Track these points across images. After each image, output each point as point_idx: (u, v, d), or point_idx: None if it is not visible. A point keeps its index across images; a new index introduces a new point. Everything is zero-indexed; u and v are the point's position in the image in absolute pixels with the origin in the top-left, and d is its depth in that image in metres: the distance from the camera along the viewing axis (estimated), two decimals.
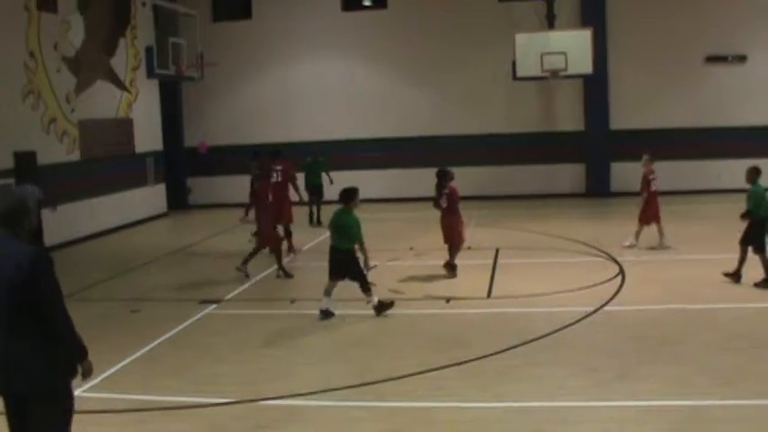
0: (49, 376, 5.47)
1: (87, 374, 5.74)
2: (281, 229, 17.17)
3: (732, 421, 7.45)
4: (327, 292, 12.08)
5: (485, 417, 7.93)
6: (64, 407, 5.61)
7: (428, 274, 14.99)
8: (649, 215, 16.57)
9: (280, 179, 17.45)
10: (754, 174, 13.28)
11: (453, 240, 14.93)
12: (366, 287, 12.04)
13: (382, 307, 12.00)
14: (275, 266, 15.41)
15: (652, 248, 16.45)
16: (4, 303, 5.36)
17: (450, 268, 14.79)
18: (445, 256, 14.97)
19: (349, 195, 12.14)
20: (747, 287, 12.78)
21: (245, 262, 15.26)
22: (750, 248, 12.92)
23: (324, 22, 27.45)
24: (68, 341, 5.51)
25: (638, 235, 16.63)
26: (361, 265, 12.08)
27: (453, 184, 14.94)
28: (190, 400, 8.63)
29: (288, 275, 15.19)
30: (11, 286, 5.31)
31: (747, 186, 13.24)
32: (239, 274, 15.11)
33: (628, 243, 16.63)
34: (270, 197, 16.43)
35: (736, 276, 13.13)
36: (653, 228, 16.52)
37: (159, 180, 26.12)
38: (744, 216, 12.94)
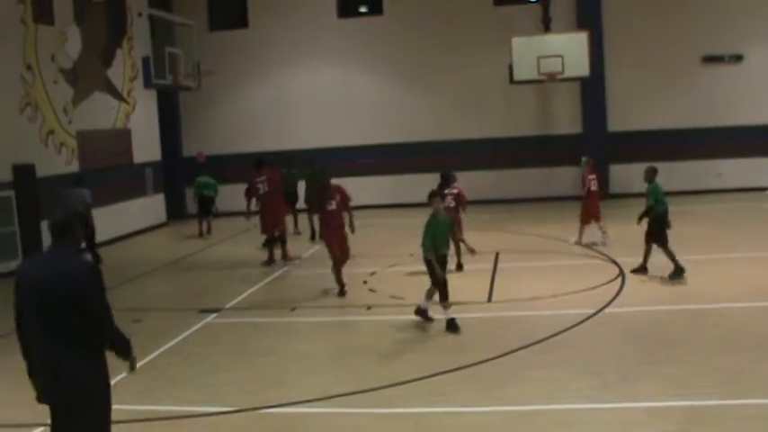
0: (94, 383, 5.67)
1: (133, 367, 6.06)
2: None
3: (735, 421, 7.44)
4: (428, 296, 11.60)
5: (487, 421, 7.91)
6: (107, 412, 5.84)
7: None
8: (588, 214, 17.49)
9: (267, 189, 17.14)
10: (651, 173, 14.19)
11: (460, 238, 15.23)
12: (429, 292, 11.57)
13: (423, 315, 11.59)
14: (274, 275, 15.38)
15: (594, 244, 17.21)
16: (56, 314, 5.51)
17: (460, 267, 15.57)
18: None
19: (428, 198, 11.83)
20: (744, 287, 12.78)
21: (339, 280, 14.02)
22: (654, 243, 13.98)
23: (320, 30, 27.47)
24: (118, 345, 5.83)
25: (581, 233, 17.55)
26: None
27: (459, 186, 15.77)
28: (191, 409, 8.61)
29: (341, 292, 13.98)
30: (65, 297, 5.48)
31: (646, 186, 14.17)
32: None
33: (573, 240, 17.61)
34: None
35: (643, 270, 14.13)
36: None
37: (158, 190, 26.11)
38: (645, 214, 14.04)
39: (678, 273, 13.54)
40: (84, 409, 5.62)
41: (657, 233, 13.87)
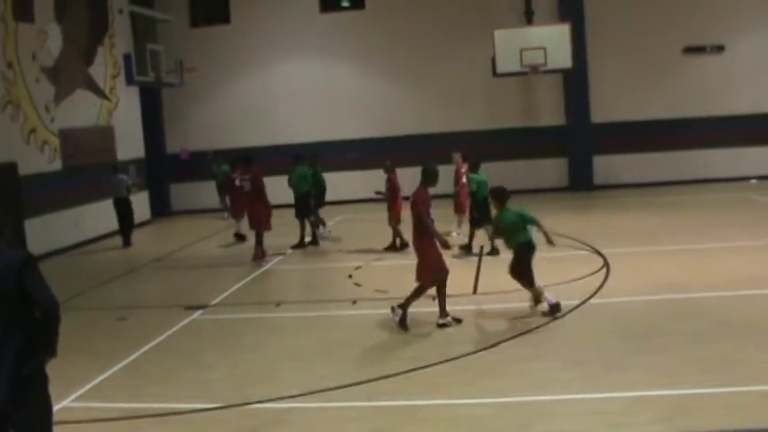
0: (37, 381, 5.54)
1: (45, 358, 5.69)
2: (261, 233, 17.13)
3: (718, 409, 7.48)
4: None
5: (474, 413, 7.93)
6: (50, 411, 5.73)
7: (413, 273, 14.97)
8: (462, 205, 18.26)
9: (250, 188, 16.77)
10: (475, 165, 16.98)
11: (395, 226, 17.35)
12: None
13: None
14: (259, 272, 15.28)
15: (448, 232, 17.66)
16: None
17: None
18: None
19: None
20: (727, 276, 12.86)
21: (404, 306, 11.38)
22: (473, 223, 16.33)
23: (302, 25, 27.45)
24: (53, 336, 5.54)
25: (459, 224, 18.58)
26: None
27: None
28: (178, 406, 8.58)
29: (456, 320, 11.24)
30: (9, 286, 5.41)
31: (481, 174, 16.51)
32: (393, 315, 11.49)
33: (455, 233, 18.23)
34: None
35: (495, 252, 15.54)
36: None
37: (142, 187, 25.99)
38: (469, 196, 16.73)
39: (466, 249, 16.09)
40: (27, 408, 5.49)
41: (475, 217, 16.31)
